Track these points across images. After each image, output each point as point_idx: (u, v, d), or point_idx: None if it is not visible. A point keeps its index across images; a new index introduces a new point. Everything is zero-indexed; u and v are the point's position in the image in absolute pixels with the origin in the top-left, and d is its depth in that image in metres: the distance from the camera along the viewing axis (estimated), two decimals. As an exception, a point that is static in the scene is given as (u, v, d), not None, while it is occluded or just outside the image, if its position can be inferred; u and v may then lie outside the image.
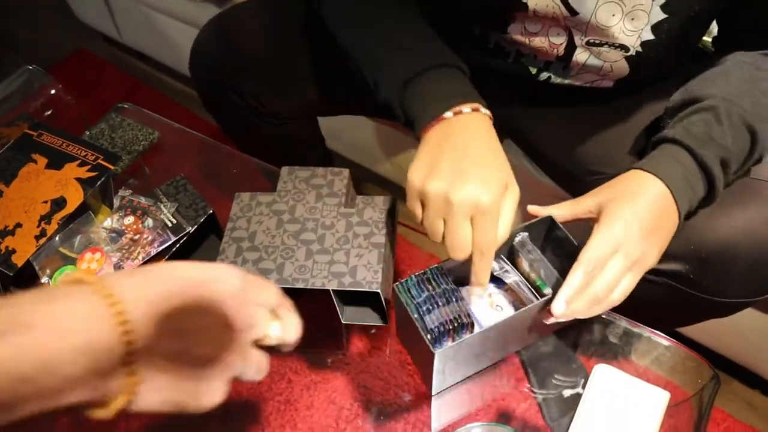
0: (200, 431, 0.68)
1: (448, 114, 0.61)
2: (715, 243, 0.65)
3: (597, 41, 0.70)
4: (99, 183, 0.81)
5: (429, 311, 0.62)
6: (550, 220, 0.67)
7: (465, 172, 0.57)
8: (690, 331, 1.14)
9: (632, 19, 0.66)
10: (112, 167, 0.83)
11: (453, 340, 0.61)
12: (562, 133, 0.85)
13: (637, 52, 0.70)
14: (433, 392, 0.68)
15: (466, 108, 0.61)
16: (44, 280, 0.72)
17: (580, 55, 0.73)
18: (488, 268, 0.61)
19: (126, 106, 1.07)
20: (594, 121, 0.82)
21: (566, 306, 0.59)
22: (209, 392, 0.42)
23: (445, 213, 0.58)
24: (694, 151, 0.61)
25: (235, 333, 0.43)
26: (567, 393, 0.69)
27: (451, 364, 0.65)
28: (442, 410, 0.70)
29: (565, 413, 0.67)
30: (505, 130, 1.02)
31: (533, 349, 0.73)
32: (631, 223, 0.59)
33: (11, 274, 0.74)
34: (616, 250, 0.59)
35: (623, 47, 0.69)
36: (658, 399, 0.63)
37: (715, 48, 0.81)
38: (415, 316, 0.62)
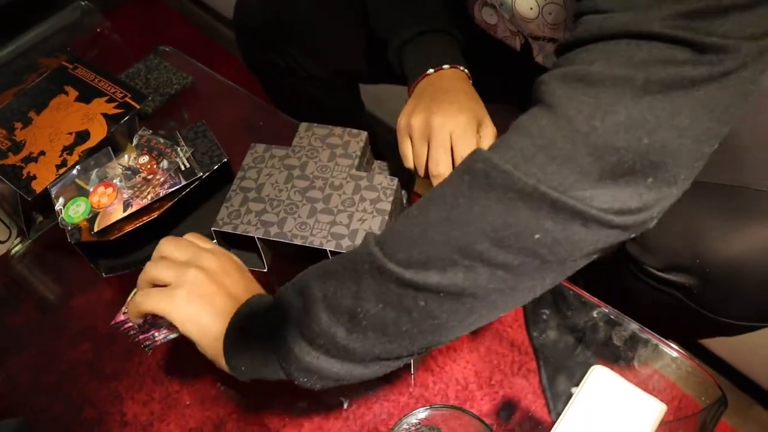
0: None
1: (431, 71, 0.70)
2: (723, 260, 0.59)
3: (535, 35, 0.69)
4: (124, 120, 0.82)
5: None
6: None
7: (442, 102, 0.65)
8: (717, 349, 1.08)
9: (549, 13, 0.62)
10: (137, 106, 0.83)
11: None
12: None
13: None
14: (413, 371, 0.67)
15: (446, 66, 0.71)
16: (58, 207, 0.74)
17: (535, 49, 0.73)
18: None
19: (167, 49, 1.07)
20: None
21: None
22: None
23: (428, 135, 0.65)
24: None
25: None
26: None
27: None
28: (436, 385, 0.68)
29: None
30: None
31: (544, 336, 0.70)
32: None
33: (30, 199, 0.76)
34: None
35: (555, 42, 0.67)
36: (652, 410, 0.59)
37: None
38: None
